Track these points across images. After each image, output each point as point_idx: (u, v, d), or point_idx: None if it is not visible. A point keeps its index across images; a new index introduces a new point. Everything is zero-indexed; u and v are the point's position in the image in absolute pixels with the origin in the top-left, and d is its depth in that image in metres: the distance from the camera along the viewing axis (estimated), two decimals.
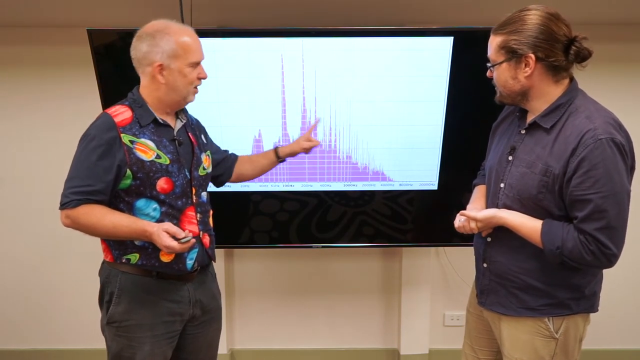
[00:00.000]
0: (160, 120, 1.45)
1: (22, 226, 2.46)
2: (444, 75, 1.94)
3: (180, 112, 1.54)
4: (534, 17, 1.25)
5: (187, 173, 1.49)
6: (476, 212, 1.42)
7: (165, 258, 1.46)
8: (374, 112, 2.00)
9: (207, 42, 1.88)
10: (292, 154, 1.79)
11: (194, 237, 1.42)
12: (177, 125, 1.51)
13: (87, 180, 1.35)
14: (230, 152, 1.79)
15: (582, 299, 1.38)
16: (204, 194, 1.57)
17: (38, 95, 2.33)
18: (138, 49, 1.41)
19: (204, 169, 1.57)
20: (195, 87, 1.49)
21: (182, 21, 1.96)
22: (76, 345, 2.57)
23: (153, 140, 1.42)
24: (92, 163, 1.35)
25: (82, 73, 2.01)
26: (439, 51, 1.90)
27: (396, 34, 1.89)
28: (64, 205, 1.36)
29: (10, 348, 2.59)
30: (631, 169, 1.29)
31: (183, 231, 1.38)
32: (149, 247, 1.44)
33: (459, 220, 1.45)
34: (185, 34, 1.42)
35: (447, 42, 1.89)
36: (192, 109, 1.99)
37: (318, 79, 1.95)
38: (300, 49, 1.90)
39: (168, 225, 1.38)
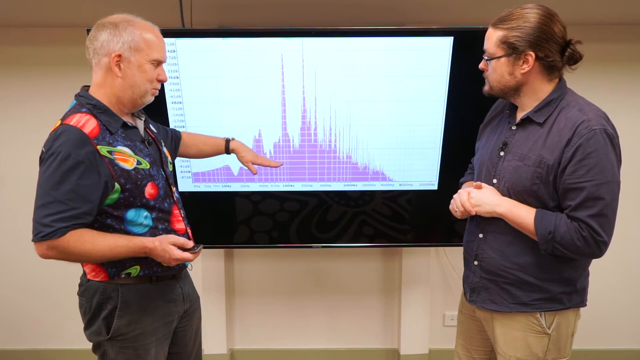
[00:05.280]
0: (129, 124, 1.37)
1: (22, 226, 2.46)
2: (444, 75, 1.94)
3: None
4: (536, 16, 1.28)
5: (163, 172, 1.45)
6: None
7: None
8: (374, 112, 2.00)
9: (207, 42, 1.90)
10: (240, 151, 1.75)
11: (183, 234, 1.42)
12: (139, 124, 1.43)
13: (71, 204, 1.22)
14: (170, 130, 1.71)
15: (574, 293, 1.40)
16: (176, 190, 1.54)
17: (38, 95, 2.33)
18: (96, 38, 1.30)
19: (170, 163, 1.54)
20: (155, 88, 1.39)
21: (182, 21, 1.96)
22: (77, 346, 2.58)
23: (128, 146, 1.34)
24: (73, 184, 1.22)
25: (82, 73, 2.00)
26: (439, 51, 1.90)
27: (396, 34, 1.89)
28: (47, 236, 1.21)
29: (11, 348, 2.60)
30: (618, 161, 1.32)
31: (188, 240, 1.36)
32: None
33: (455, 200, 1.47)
34: (150, 31, 1.35)
35: (447, 42, 1.89)
36: (192, 108, 2.00)
37: (318, 79, 1.95)
38: (300, 49, 1.90)
39: (174, 238, 1.35)
